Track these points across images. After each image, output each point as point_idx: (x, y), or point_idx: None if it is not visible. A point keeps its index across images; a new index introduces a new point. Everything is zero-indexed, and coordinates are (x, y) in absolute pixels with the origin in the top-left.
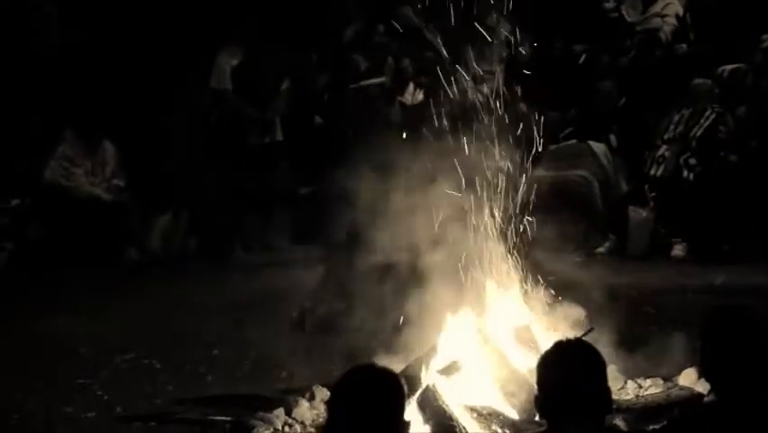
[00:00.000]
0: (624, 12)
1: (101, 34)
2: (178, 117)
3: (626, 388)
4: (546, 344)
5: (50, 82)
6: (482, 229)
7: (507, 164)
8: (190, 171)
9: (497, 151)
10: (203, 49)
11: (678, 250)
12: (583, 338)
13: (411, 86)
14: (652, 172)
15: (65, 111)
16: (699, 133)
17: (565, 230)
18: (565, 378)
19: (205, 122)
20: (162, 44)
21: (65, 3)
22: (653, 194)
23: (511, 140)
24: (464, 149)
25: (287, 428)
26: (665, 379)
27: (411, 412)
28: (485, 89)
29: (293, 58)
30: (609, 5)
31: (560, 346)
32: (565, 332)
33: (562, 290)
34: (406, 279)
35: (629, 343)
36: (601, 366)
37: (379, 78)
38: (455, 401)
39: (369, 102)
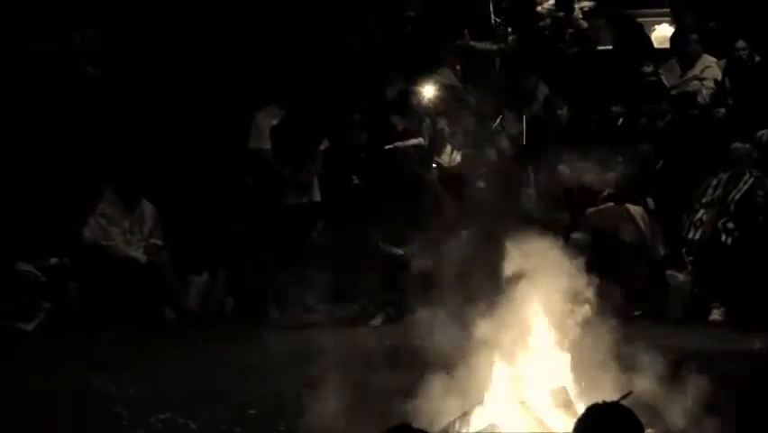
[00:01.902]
0: (662, 75)
1: (142, 92)
2: (217, 176)
3: None
4: (583, 407)
5: (90, 141)
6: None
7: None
8: (227, 231)
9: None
10: (242, 108)
11: (716, 314)
12: (621, 402)
13: (449, 147)
14: (690, 236)
15: (105, 170)
16: (737, 197)
17: (602, 293)
18: None
19: (243, 181)
20: (201, 104)
21: (107, 64)
22: (691, 258)
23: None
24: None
25: None
26: None
27: None
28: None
29: (332, 118)
30: (648, 69)
31: (596, 410)
32: (603, 395)
33: (601, 353)
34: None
35: (667, 407)
36: (637, 430)
37: (416, 139)
38: None
39: (405, 164)
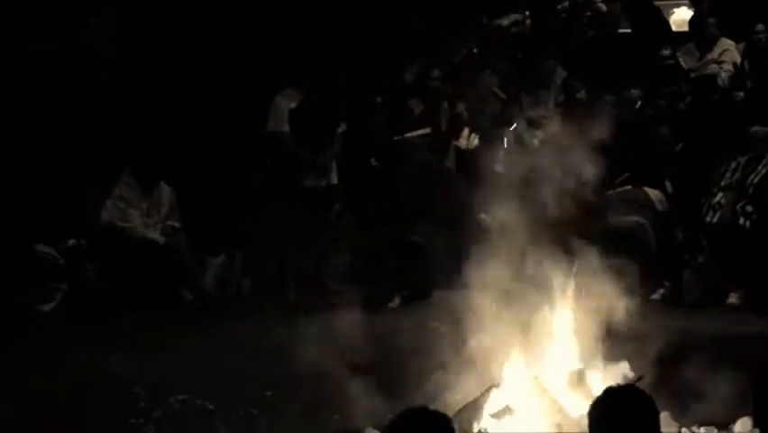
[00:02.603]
0: (680, 58)
1: (159, 74)
2: (234, 159)
3: None
4: (599, 389)
5: (108, 123)
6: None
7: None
8: (245, 213)
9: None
10: (260, 90)
11: (733, 298)
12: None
13: (466, 130)
14: (707, 219)
15: (122, 152)
16: (755, 181)
17: (619, 276)
18: (616, 425)
19: (261, 164)
20: (218, 86)
21: (123, 44)
22: (709, 241)
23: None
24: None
25: None
26: (720, 426)
27: None
28: (540, 134)
29: (350, 101)
30: (666, 52)
31: (610, 393)
32: (617, 379)
33: (617, 336)
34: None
35: (684, 390)
36: (653, 413)
37: (425, 129)
38: None
39: (414, 153)
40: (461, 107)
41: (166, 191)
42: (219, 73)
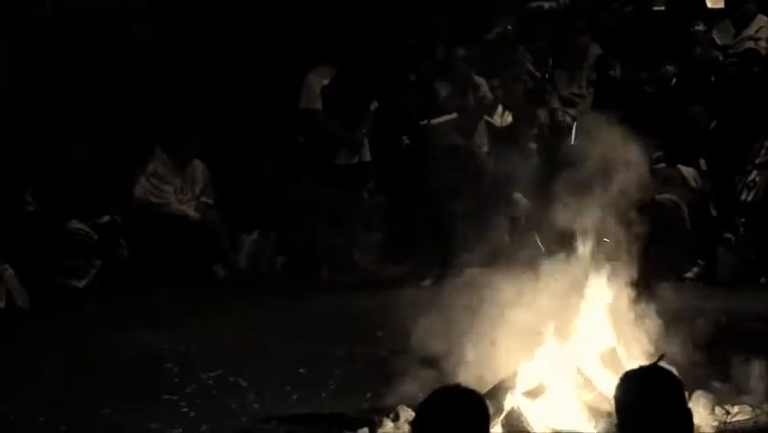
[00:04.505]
0: (715, 35)
1: (192, 50)
2: (267, 136)
3: (713, 414)
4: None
5: (141, 100)
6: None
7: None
8: (278, 190)
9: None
10: (293, 67)
11: None
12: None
13: (500, 107)
14: (742, 197)
15: (156, 128)
16: None
17: (654, 254)
18: (642, 404)
19: (294, 141)
20: (252, 63)
21: (157, 19)
22: (743, 219)
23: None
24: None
25: None
26: (753, 406)
27: None
28: (573, 111)
29: (383, 78)
30: (700, 28)
31: (634, 373)
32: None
33: (650, 314)
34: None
35: (717, 368)
36: (678, 391)
37: (451, 114)
38: (540, 424)
39: (441, 137)
40: (484, 90)
41: (200, 168)
42: (253, 50)
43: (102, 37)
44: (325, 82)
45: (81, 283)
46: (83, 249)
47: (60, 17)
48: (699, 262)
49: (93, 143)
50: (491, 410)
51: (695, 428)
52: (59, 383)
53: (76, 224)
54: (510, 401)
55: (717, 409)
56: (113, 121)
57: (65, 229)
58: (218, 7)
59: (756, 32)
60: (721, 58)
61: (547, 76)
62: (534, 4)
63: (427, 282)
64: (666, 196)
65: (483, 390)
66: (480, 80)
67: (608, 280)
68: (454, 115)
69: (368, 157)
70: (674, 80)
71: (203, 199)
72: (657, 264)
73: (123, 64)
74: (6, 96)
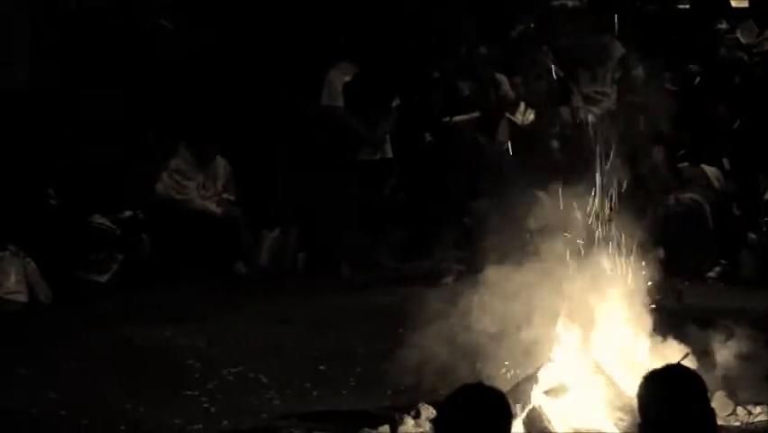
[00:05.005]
0: (739, 34)
1: (215, 47)
2: (289, 133)
3: (735, 414)
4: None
5: (164, 95)
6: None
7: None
8: (299, 187)
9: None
10: (314, 64)
11: None
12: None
13: (522, 105)
14: (765, 197)
15: (178, 124)
16: None
17: (676, 253)
18: (665, 403)
19: (316, 138)
20: (274, 60)
21: (180, 16)
22: (767, 218)
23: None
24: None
25: None
26: None
27: None
28: (596, 110)
29: (405, 75)
30: (724, 27)
31: (657, 372)
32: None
33: (673, 313)
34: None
35: (739, 369)
36: (701, 391)
37: (473, 113)
38: (561, 423)
39: (462, 136)
40: (505, 89)
41: (222, 164)
42: (275, 46)
43: (126, 33)
44: (347, 79)
45: (103, 278)
46: (105, 244)
47: (85, 12)
48: (722, 261)
49: (116, 139)
50: (513, 409)
51: (717, 428)
52: (80, 378)
53: (98, 219)
54: (532, 400)
55: (740, 410)
56: (136, 117)
57: (87, 224)
58: (242, 4)
59: None
60: (745, 57)
61: (570, 74)
62: (558, 3)
63: (448, 280)
64: (689, 195)
65: (505, 388)
66: (502, 78)
67: (632, 278)
68: (476, 114)
69: (389, 154)
70: (698, 79)
71: (225, 196)
72: (680, 263)
73: (147, 60)
74: (31, 91)
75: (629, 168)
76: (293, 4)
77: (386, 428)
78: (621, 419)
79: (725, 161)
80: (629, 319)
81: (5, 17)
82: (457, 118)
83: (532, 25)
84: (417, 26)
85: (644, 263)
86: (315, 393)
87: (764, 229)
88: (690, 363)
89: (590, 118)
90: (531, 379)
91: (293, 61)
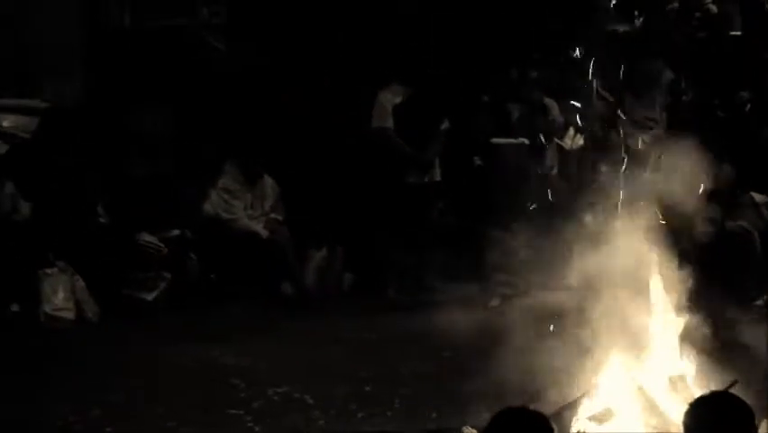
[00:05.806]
0: None
1: (265, 65)
2: (338, 153)
3: None
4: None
5: (214, 114)
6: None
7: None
8: (347, 208)
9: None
10: (365, 84)
11: None
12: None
13: (571, 130)
14: None
15: (227, 143)
16: None
17: (724, 281)
18: (711, 431)
19: (364, 159)
20: (324, 79)
21: (231, 35)
22: None
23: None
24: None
25: None
26: None
27: None
28: (646, 136)
29: (455, 98)
30: None
31: (704, 399)
32: (718, 385)
33: (720, 341)
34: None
35: None
36: (749, 419)
37: (521, 139)
38: None
39: (508, 160)
40: (554, 113)
41: (270, 183)
42: (325, 67)
43: (177, 50)
44: (397, 101)
45: (150, 296)
46: (153, 262)
47: (137, 30)
48: None
49: (165, 157)
50: None
51: None
52: (126, 395)
53: (146, 237)
54: (576, 425)
55: None
56: (185, 135)
57: (135, 242)
58: (292, 24)
59: None
60: None
61: (619, 99)
62: (609, 28)
63: (495, 303)
64: (738, 223)
65: (549, 412)
66: (552, 103)
67: (679, 307)
68: (523, 141)
69: (438, 177)
70: (748, 106)
71: (272, 216)
72: (728, 291)
73: (197, 78)
74: (81, 108)
75: (679, 194)
76: (344, 24)
77: None
78: None
79: None
80: (677, 346)
81: (58, 34)
82: (496, 140)
83: (583, 50)
84: (468, 50)
85: (695, 290)
86: (359, 415)
87: None
88: (737, 390)
89: (640, 144)
90: (576, 403)
91: (343, 82)
